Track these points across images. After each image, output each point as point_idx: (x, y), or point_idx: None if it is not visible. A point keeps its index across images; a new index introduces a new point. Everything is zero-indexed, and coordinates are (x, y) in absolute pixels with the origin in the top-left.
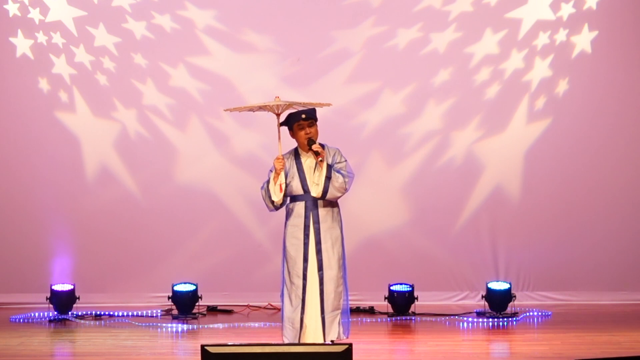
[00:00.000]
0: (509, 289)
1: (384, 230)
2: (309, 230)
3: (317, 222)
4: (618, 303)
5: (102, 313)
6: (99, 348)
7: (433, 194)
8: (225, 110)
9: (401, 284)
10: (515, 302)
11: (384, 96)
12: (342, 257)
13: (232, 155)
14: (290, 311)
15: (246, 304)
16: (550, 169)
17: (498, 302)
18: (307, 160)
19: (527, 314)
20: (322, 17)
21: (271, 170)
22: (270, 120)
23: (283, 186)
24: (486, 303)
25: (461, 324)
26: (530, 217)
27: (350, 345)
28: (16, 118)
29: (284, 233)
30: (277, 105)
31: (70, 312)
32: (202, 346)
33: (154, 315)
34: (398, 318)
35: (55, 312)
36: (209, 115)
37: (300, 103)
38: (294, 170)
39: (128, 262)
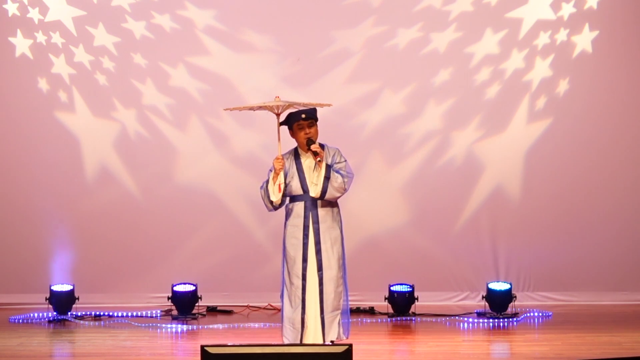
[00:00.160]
0: (510, 290)
1: (384, 230)
2: (308, 230)
3: (316, 222)
4: (619, 303)
5: (102, 313)
6: (99, 348)
7: (433, 194)
8: (225, 110)
9: (401, 284)
10: (516, 303)
11: (384, 96)
12: (342, 257)
13: (232, 155)
14: (290, 312)
15: (246, 304)
16: (550, 169)
17: (498, 303)
18: (307, 161)
19: (528, 314)
20: (322, 17)
21: (271, 170)
22: (270, 120)
23: (282, 186)
24: (486, 303)
25: (461, 325)
26: (530, 217)
27: (350, 345)
28: (15, 118)
29: (284, 233)
30: (277, 105)
31: (69, 313)
32: (202, 347)
33: (154, 315)
34: (398, 318)
35: (55, 313)
36: (208, 115)
37: (300, 103)
38: (293, 170)
39: (128, 262)
